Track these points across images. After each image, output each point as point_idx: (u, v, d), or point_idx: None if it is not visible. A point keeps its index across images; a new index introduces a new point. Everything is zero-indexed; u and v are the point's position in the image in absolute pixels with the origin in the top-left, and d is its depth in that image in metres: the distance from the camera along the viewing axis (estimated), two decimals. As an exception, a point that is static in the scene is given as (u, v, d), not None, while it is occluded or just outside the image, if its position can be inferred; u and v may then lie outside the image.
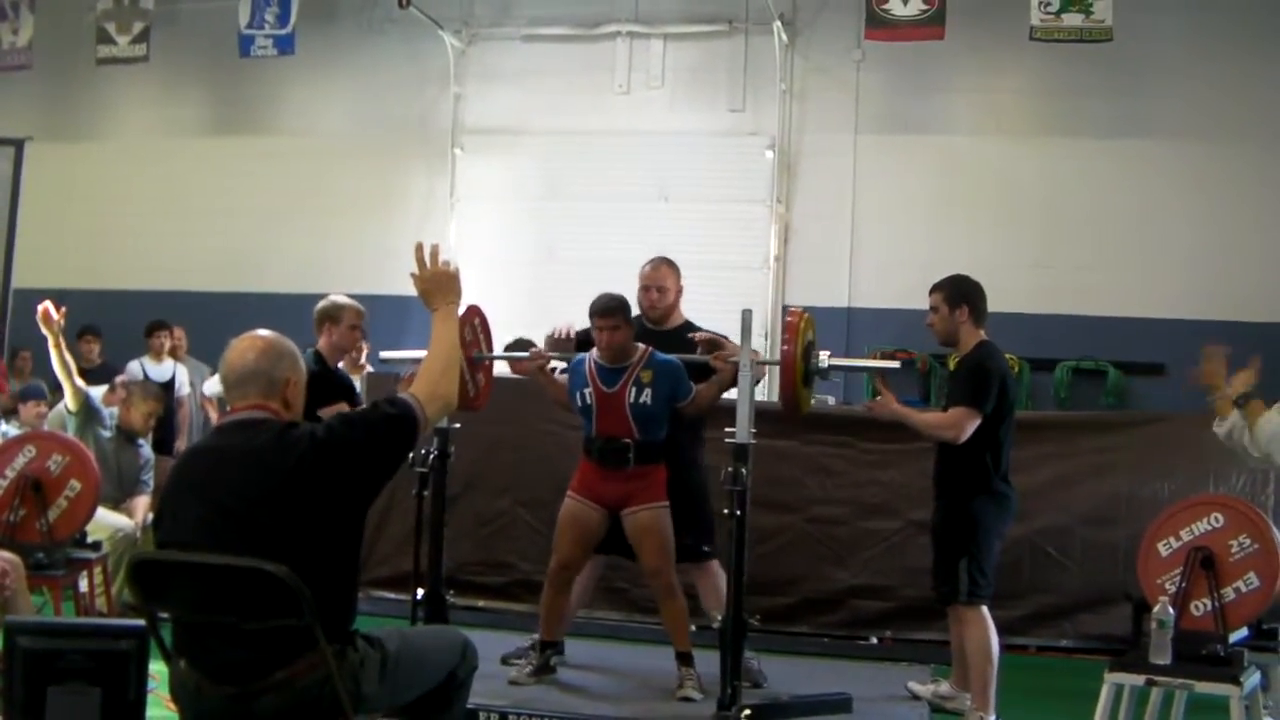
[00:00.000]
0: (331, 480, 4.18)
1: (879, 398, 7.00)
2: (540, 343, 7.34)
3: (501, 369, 8.08)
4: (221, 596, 4.14)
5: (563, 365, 7.20)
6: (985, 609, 6.63)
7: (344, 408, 7.03)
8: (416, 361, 8.20)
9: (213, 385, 11.94)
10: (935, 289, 6.90)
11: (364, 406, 4.54)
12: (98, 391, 10.06)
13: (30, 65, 13.57)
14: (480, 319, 7.30)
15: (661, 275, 7.39)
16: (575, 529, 6.92)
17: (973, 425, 6.55)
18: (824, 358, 6.59)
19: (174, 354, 12.23)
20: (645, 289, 7.34)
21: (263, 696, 4.13)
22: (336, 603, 4.24)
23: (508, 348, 8.47)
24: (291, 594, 4.00)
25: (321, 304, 7.36)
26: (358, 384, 9.34)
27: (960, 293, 6.84)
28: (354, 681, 4.26)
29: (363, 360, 9.73)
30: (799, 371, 6.46)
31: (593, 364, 6.84)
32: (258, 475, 4.17)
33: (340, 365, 7.52)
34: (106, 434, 9.10)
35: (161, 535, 4.44)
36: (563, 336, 7.23)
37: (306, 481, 4.14)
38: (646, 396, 6.73)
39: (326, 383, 7.11)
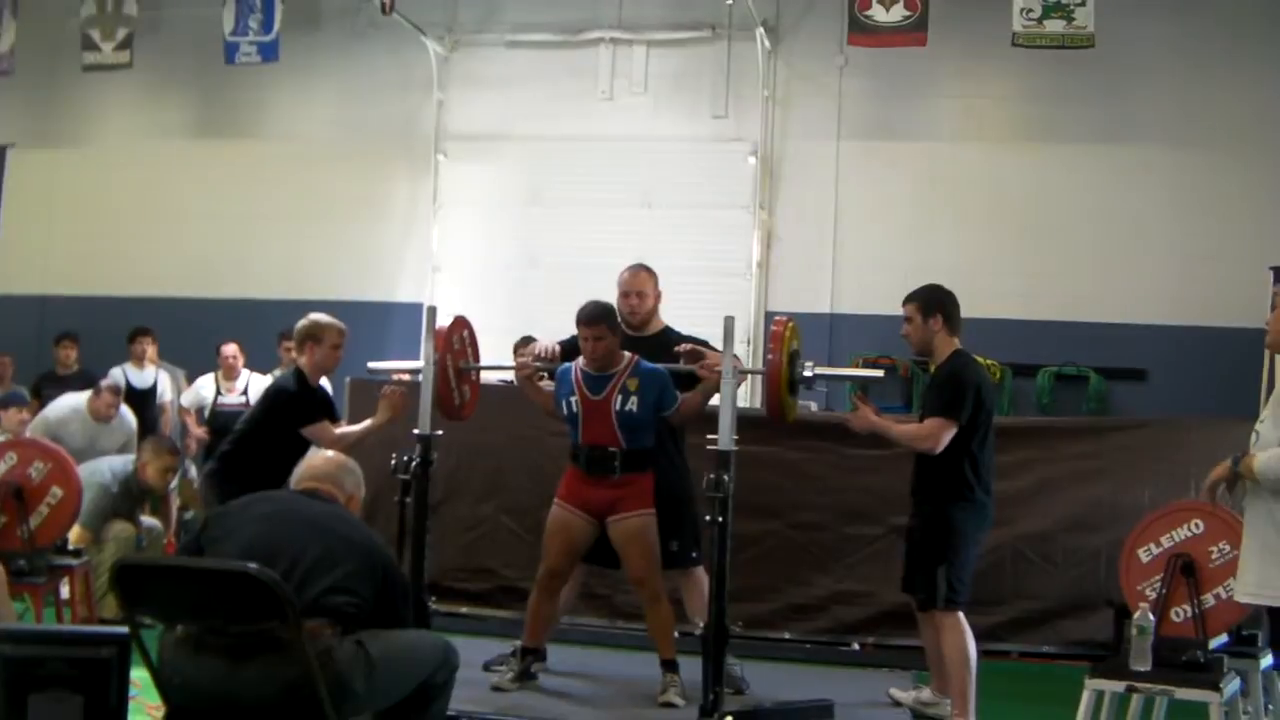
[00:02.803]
0: (368, 583, 4.64)
1: (857, 410, 7.01)
2: (538, 345, 7.37)
3: (485, 378, 8.10)
4: (207, 601, 4.25)
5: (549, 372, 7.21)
6: (962, 615, 6.64)
7: (327, 425, 7.09)
8: (403, 372, 8.27)
9: (190, 396, 11.93)
10: (908, 299, 6.92)
11: (411, 595, 5.08)
12: (80, 398, 10.08)
13: (12, 71, 13.51)
14: (468, 330, 7.32)
15: (640, 281, 7.40)
16: (564, 537, 6.94)
17: (949, 435, 6.56)
18: (809, 367, 6.63)
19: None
20: (624, 295, 7.35)
21: (256, 657, 4.29)
22: (346, 600, 4.53)
23: (516, 345, 8.48)
24: (276, 597, 4.12)
25: (303, 323, 7.37)
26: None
27: (933, 302, 6.85)
28: (347, 672, 4.36)
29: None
30: (784, 381, 6.49)
31: (579, 372, 6.85)
32: (322, 526, 4.68)
33: (322, 382, 7.54)
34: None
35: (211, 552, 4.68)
36: (546, 354, 7.22)
37: (361, 559, 4.63)
38: (633, 404, 6.74)
39: (308, 402, 7.17)
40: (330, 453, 5.40)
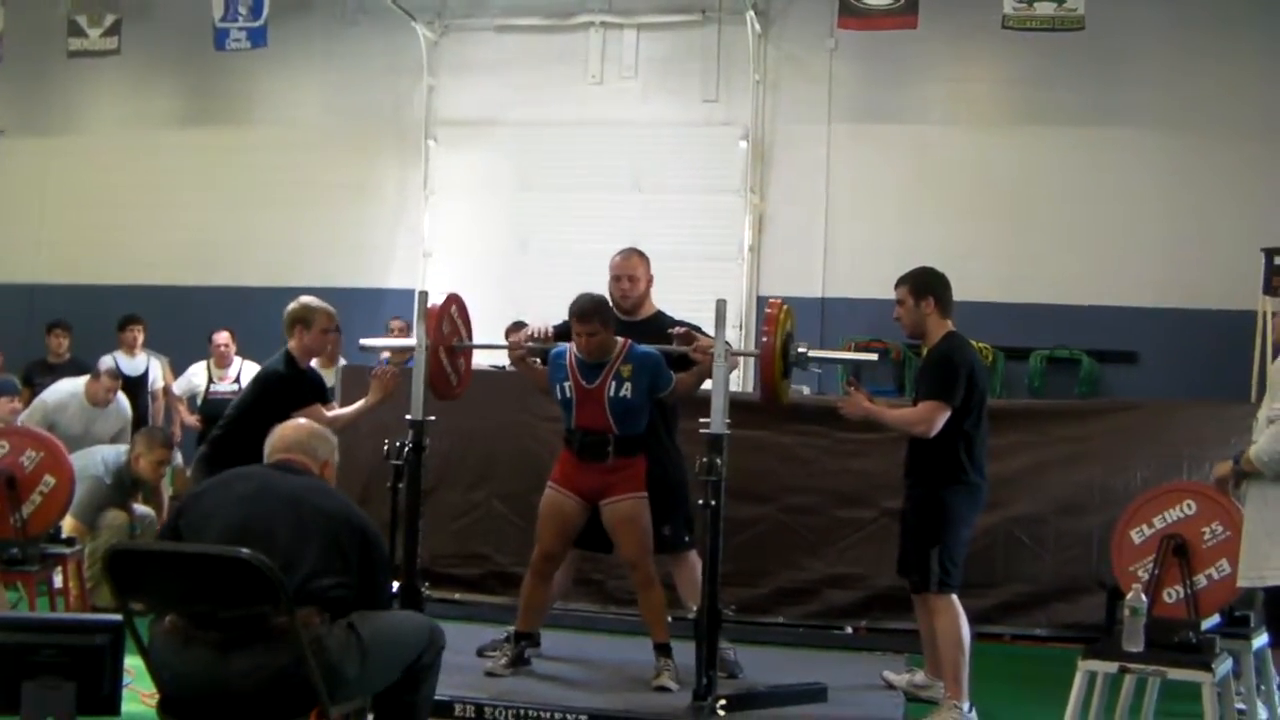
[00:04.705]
0: (351, 554, 4.61)
1: (849, 394, 7.00)
2: (532, 327, 7.35)
3: (477, 363, 8.08)
4: (199, 586, 4.25)
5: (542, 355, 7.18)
6: (955, 597, 6.64)
7: (319, 409, 7.06)
8: (394, 350, 8.23)
9: (182, 384, 11.91)
10: (900, 282, 6.90)
11: (385, 558, 4.98)
12: (77, 383, 10.08)
13: (1, 59, 13.50)
14: (459, 307, 7.29)
15: (632, 265, 7.38)
16: (557, 519, 6.93)
17: (943, 418, 6.55)
18: (804, 348, 6.62)
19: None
20: (616, 279, 7.33)
21: (246, 648, 4.29)
22: (334, 583, 4.51)
23: (507, 330, 8.44)
24: (269, 581, 4.14)
25: (292, 306, 7.30)
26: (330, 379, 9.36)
27: (925, 285, 6.83)
28: (338, 659, 4.36)
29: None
30: (778, 363, 6.49)
31: (573, 358, 6.83)
32: (300, 503, 4.63)
33: (313, 364, 7.49)
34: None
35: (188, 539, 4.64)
36: (540, 336, 7.20)
37: (340, 531, 4.60)
38: (626, 390, 6.72)
39: (298, 385, 7.14)
40: (301, 420, 5.34)
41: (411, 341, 7.09)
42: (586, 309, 6.72)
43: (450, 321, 7.19)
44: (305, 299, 7.35)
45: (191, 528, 4.59)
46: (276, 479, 4.78)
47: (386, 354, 8.42)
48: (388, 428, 7.08)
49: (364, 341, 7.89)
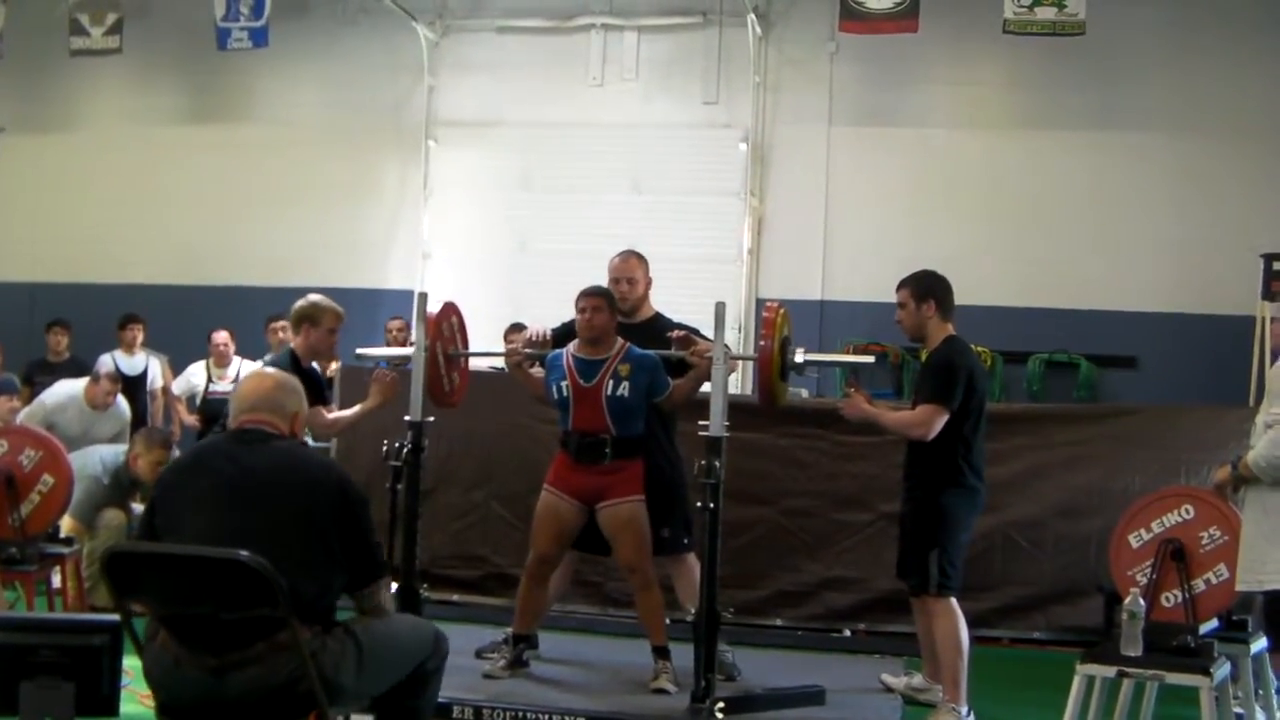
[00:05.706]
0: (329, 528, 4.47)
1: (849, 396, 7.00)
2: (529, 330, 7.35)
3: (476, 364, 8.08)
4: (198, 588, 4.22)
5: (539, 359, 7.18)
6: (954, 600, 6.65)
7: (320, 409, 7.04)
8: (391, 358, 8.24)
9: (181, 384, 11.92)
10: (901, 285, 6.90)
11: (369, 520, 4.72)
12: (77, 385, 10.07)
13: (2, 56, 13.50)
14: (456, 316, 7.29)
15: (630, 267, 7.38)
16: (553, 523, 6.92)
17: (941, 421, 6.55)
18: (800, 354, 6.64)
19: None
20: (614, 281, 7.31)
21: (240, 670, 4.23)
22: (320, 589, 4.42)
23: (506, 332, 8.43)
24: (267, 583, 4.10)
25: (300, 304, 7.22)
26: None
27: (926, 288, 6.83)
28: (332, 670, 4.34)
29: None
30: (776, 366, 6.49)
31: (570, 358, 6.84)
32: (272, 487, 4.48)
33: (314, 363, 7.47)
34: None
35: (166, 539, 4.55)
36: (538, 339, 7.20)
37: (314, 514, 4.45)
38: (624, 389, 6.72)
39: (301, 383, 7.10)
40: (266, 370, 5.13)
41: (408, 351, 7.08)
42: (596, 287, 6.87)
43: (449, 329, 7.19)
44: (314, 297, 7.27)
45: (168, 525, 4.52)
46: (245, 463, 4.54)
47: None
48: (387, 429, 7.06)
49: (360, 351, 7.89)
